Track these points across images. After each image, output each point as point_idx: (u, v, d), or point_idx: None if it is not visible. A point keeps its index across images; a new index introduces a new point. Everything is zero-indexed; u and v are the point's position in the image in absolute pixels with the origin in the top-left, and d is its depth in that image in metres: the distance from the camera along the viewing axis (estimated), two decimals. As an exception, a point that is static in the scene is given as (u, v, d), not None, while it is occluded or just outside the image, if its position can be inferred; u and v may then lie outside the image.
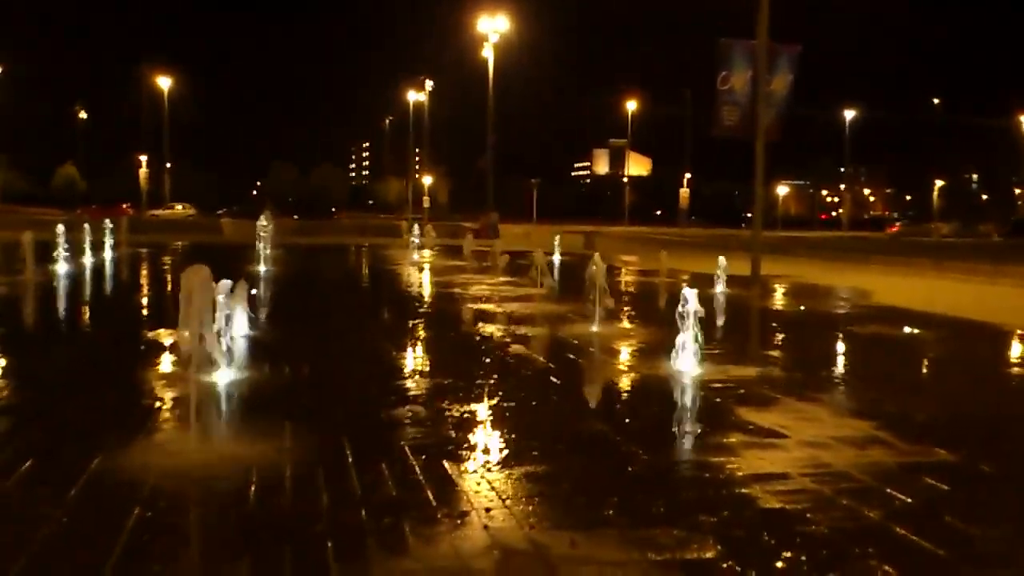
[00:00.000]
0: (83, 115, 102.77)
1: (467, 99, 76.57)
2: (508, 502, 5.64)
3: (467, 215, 59.77)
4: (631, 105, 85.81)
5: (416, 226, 35.95)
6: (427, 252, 30.96)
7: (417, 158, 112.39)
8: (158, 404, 8.25)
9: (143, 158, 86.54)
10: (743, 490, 5.97)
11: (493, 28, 55.02)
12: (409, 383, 9.63)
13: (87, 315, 16.70)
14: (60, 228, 23.94)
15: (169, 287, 21.86)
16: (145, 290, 21.91)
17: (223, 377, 8.85)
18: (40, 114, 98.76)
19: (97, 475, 6.02)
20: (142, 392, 8.81)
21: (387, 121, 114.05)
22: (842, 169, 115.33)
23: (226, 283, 9.39)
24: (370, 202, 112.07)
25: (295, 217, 61.67)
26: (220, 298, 8.84)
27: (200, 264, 6.96)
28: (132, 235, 38.57)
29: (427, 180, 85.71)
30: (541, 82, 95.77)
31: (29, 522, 5.11)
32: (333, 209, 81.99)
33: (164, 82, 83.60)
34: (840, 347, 13.61)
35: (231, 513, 5.43)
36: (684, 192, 77.83)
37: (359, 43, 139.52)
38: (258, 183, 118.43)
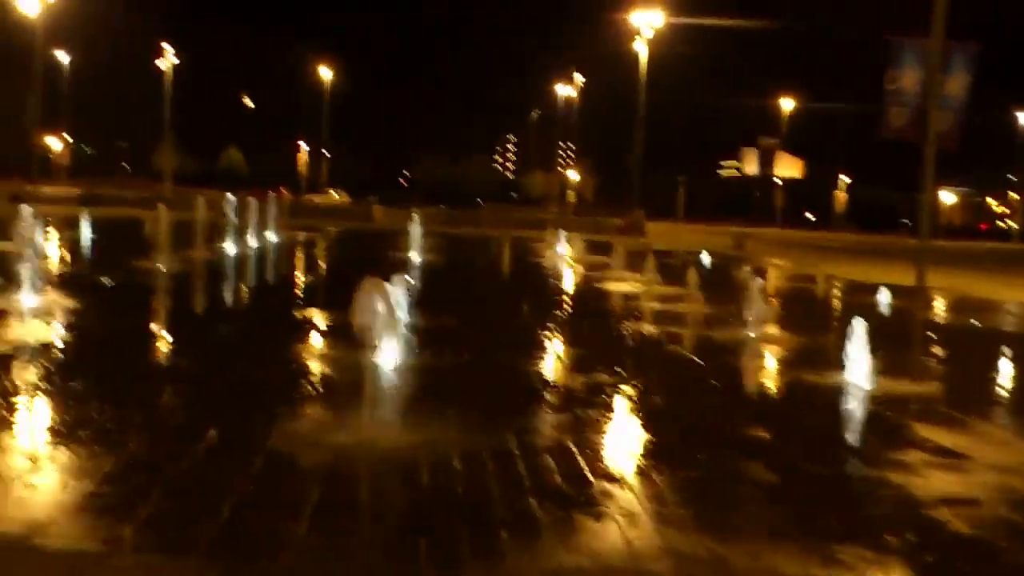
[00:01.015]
0: (248, 101, 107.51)
1: (616, 93, 76.15)
2: (676, 505, 5.54)
3: (613, 211, 59.38)
4: (786, 104, 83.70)
5: (560, 230, 35.74)
6: (572, 247, 30.87)
7: (564, 152, 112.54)
8: (328, 383, 8.50)
9: (302, 144, 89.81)
10: (930, 512, 5.69)
11: (647, 22, 54.45)
12: (567, 378, 9.61)
13: (257, 294, 17.33)
14: (228, 209, 24.97)
15: (326, 269, 22.56)
16: (308, 273, 22.61)
17: (389, 361, 9.02)
18: (208, 99, 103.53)
19: (276, 449, 6.24)
20: (315, 371, 9.09)
21: (534, 114, 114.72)
22: (1011, 176, 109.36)
23: (393, 286, 9.52)
24: (513, 195, 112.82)
25: (442, 207, 62.54)
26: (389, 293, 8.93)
27: (376, 278, 7.03)
28: (291, 218, 40.03)
29: (573, 175, 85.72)
30: (692, 77, 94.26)
31: (218, 490, 5.33)
32: (479, 200, 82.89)
33: (325, 71, 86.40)
34: (1019, 366, 12.89)
35: (405, 491, 5.53)
36: (840, 195, 75.33)
37: (511, 34, 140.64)
38: (404, 172, 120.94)
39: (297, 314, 13.48)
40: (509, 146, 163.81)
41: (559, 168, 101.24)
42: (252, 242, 26.25)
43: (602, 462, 6.40)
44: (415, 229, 26.25)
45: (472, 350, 10.96)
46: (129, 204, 50.90)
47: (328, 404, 7.66)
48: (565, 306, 17.26)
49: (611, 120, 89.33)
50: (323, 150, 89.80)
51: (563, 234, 34.25)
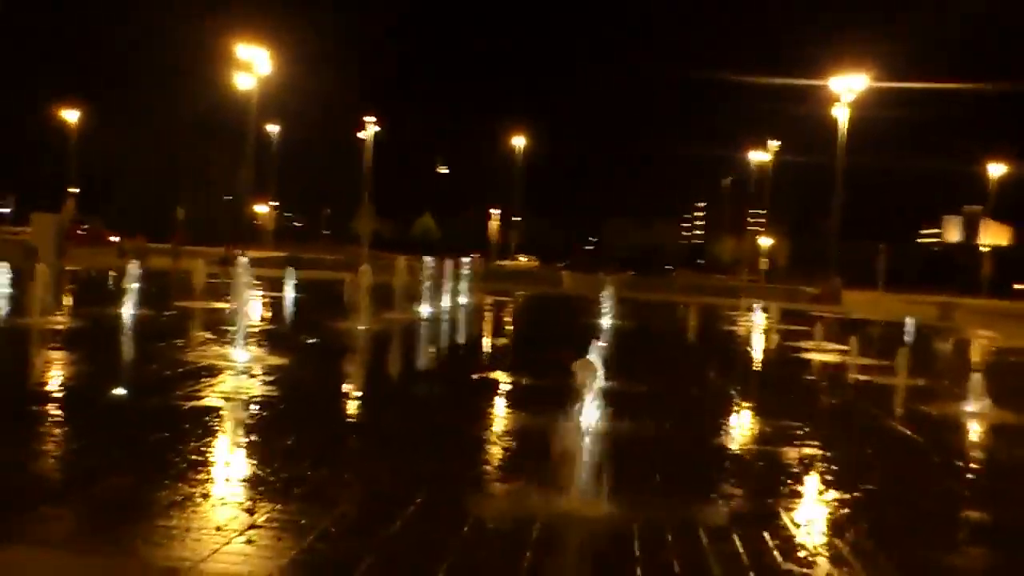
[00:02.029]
0: (443, 169, 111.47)
1: (812, 159, 74.26)
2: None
3: (806, 279, 57.47)
4: (995, 169, 79.29)
5: (755, 298, 34.66)
6: (766, 314, 29.89)
7: (754, 218, 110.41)
8: (532, 447, 8.36)
9: (495, 211, 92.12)
10: None
11: (848, 87, 52.91)
12: (779, 451, 9.11)
13: (455, 356, 17.54)
14: (427, 273, 25.55)
15: (523, 333, 22.64)
16: (501, 336, 22.77)
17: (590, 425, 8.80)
18: (405, 166, 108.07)
19: (481, 515, 6.12)
20: (518, 435, 9.00)
21: (727, 180, 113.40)
22: None
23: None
24: (700, 261, 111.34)
25: (631, 273, 62.29)
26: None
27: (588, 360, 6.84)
28: (483, 283, 40.77)
29: (765, 241, 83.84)
30: (893, 142, 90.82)
31: (430, 555, 5.24)
32: (669, 267, 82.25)
33: (518, 139, 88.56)
34: None
35: (613, 566, 5.27)
36: (1056, 265, 70.26)
37: (704, 98, 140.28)
38: (590, 238, 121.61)
39: (493, 376, 13.51)
40: (697, 212, 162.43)
41: (750, 235, 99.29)
42: (446, 304, 26.76)
43: (819, 541, 5.94)
44: (605, 295, 26.09)
45: (674, 418, 10.61)
46: (328, 267, 53.28)
47: (534, 471, 7.51)
48: (766, 376, 16.61)
49: (806, 186, 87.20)
50: (514, 216, 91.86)
51: (759, 303, 33.29)
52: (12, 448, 7.23)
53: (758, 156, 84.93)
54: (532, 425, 9.57)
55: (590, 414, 8.97)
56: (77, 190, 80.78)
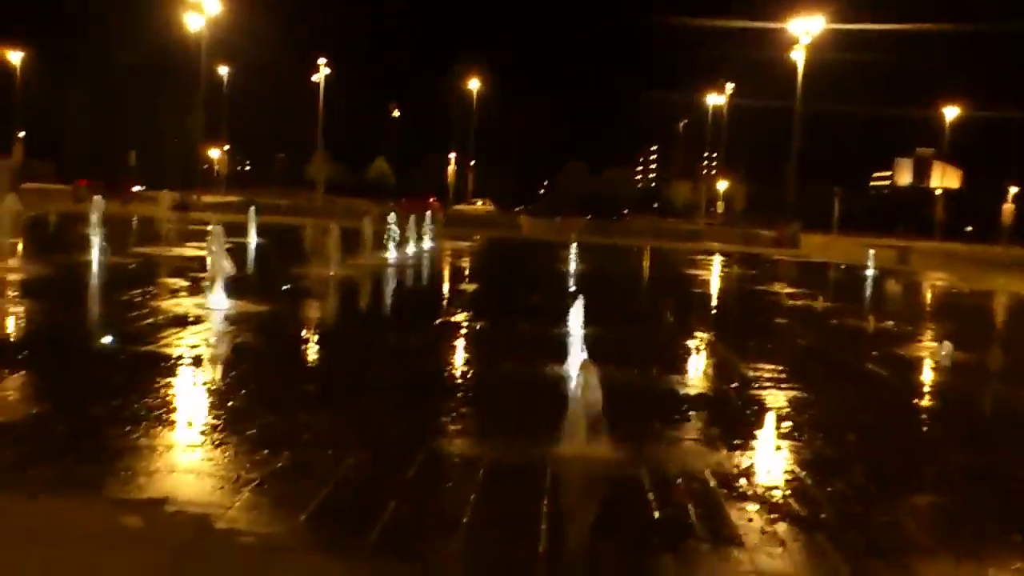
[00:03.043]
0: (396, 113, 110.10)
1: (769, 102, 74.47)
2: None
3: (763, 223, 58.03)
4: (949, 112, 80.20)
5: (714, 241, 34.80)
6: (727, 259, 30.22)
7: (709, 162, 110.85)
8: (524, 396, 8.47)
9: (452, 156, 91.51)
10: None
11: (805, 29, 53.02)
12: (764, 393, 9.30)
13: (436, 303, 17.56)
14: (391, 218, 25.44)
15: (498, 278, 22.64)
16: (477, 283, 22.77)
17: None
18: (357, 111, 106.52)
19: (491, 460, 6.21)
20: (507, 383, 9.09)
21: (682, 124, 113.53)
22: None
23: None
24: (655, 205, 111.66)
25: (588, 217, 62.43)
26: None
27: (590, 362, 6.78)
28: (442, 228, 40.60)
29: (722, 185, 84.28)
30: (847, 86, 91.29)
31: (448, 499, 5.31)
32: (625, 211, 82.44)
33: (472, 83, 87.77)
34: None
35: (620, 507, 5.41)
36: (1008, 208, 71.53)
37: (654, 43, 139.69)
38: (545, 182, 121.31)
39: (473, 322, 13.56)
40: (650, 156, 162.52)
41: (705, 179, 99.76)
42: (412, 250, 26.70)
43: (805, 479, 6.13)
44: (564, 240, 26.20)
45: (658, 364, 10.76)
46: (283, 212, 52.75)
47: (532, 417, 7.61)
48: (742, 321, 16.84)
49: (762, 130, 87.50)
50: (470, 161, 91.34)
51: (718, 246, 33.60)
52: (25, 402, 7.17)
53: (714, 100, 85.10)
54: (520, 372, 9.67)
55: (575, 361, 9.10)
56: (23, 133, 78.73)
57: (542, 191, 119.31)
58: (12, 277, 15.16)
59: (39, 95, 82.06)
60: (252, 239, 26.94)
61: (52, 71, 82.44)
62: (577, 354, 9.20)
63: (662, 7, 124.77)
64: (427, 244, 29.87)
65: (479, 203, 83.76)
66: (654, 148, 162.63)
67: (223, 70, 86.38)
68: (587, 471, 6.18)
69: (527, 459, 6.29)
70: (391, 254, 24.16)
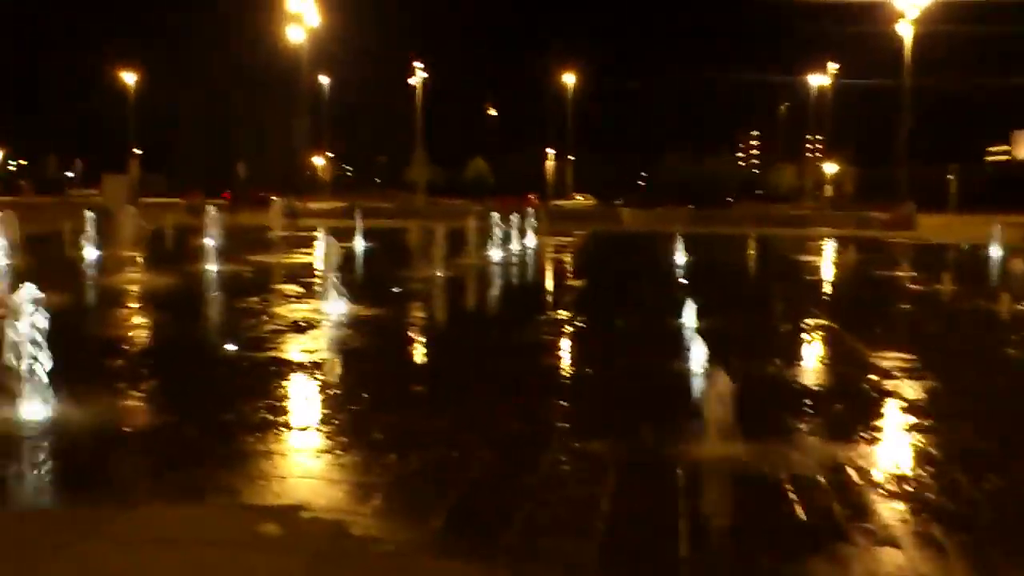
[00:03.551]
0: (492, 112, 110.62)
1: (874, 80, 72.19)
2: None
3: (874, 205, 56.19)
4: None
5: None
6: (840, 243, 29.17)
7: (813, 144, 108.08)
8: (654, 393, 8.30)
9: (550, 151, 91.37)
10: None
11: (912, 2, 51.15)
12: (899, 383, 8.90)
13: (548, 301, 17.45)
14: (493, 217, 25.45)
15: (607, 273, 22.35)
16: (586, 279, 22.55)
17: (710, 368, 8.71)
18: (454, 111, 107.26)
19: (625, 459, 6.07)
20: (635, 380, 8.93)
21: (784, 107, 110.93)
22: None
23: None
24: (758, 191, 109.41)
25: (690, 206, 61.44)
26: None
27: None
28: (542, 223, 40.50)
29: (829, 168, 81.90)
30: (958, 59, 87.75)
31: (580, 499, 5.20)
32: (729, 199, 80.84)
33: (567, 77, 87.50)
34: None
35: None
36: None
37: (751, 23, 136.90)
38: (642, 173, 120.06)
39: (590, 319, 13.41)
40: (752, 141, 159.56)
41: (810, 161, 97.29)
42: (515, 248, 26.65)
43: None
44: (669, 230, 25.74)
45: (787, 356, 10.43)
46: (386, 215, 53.48)
47: (662, 413, 7.44)
48: (868, 308, 16.26)
49: (869, 108, 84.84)
50: (568, 156, 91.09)
51: (829, 231, 32.54)
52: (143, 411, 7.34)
53: (816, 80, 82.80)
54: (638, 367, 9.49)
55: (703, 356, 8.87)
56: (140, 151, 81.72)
57: (641, 182, 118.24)
58: (136, 287, 15.67)
59: (150, 111, 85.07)
60: (359, 243, 27.31)
61: (161, 87, 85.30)
62: (699, 350, 8.96)
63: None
64: (530, 241, 29.81)
65: (579, 197, 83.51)
66: (755, 133, 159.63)
67: (324, 79, 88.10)
68: (722, 470, 5.98)
69: (657, 458, 6.13)
70: (495, 253, 24.16)
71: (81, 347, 10.43)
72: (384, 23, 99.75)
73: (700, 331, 11.04)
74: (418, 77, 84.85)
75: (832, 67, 78.95)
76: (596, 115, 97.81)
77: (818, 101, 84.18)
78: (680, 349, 9.97)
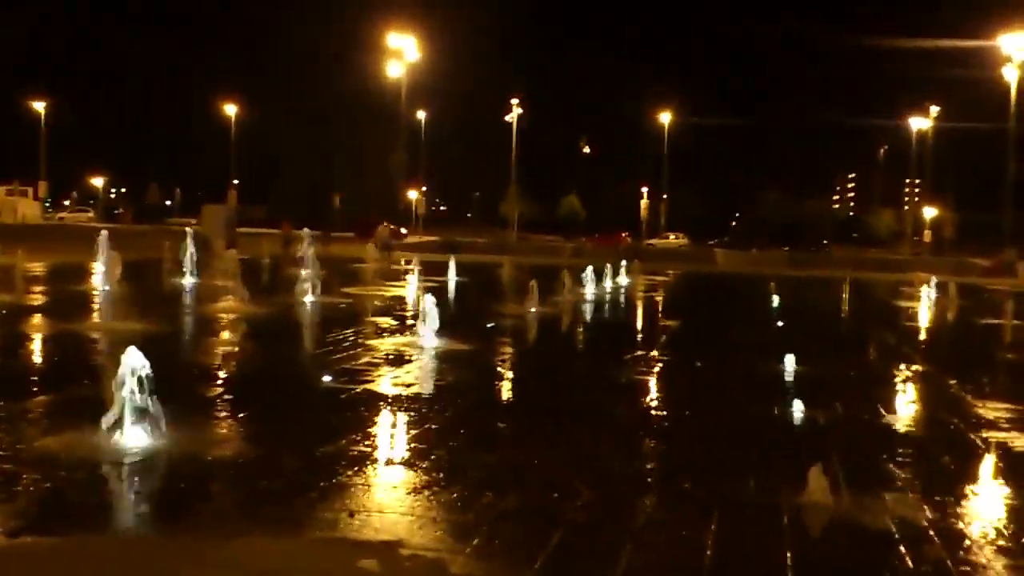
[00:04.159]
0: (586, 149, 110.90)
1: (979, 124, 70.23)
2: None
3: (975, 251, 54.55)
4: None
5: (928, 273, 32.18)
6: (941, 290, 28.24)
7: (911, 188, 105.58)
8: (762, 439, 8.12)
9: (644, 189, 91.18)
10: None
11: (1019, 46, 49.81)
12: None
13: (643, 340, 17.30)
14: (589, 271, 25.16)
15: (700, 314, 22.08)
16: (680, 320, 22.34)
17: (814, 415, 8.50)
18: (548, 148, 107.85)
19: (748, 502, 5.93)
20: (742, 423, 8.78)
21: (883, 149, 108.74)
22: None
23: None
24: (854, 235, 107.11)
25: (786, 249, 60.53)
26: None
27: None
28: (634, 263, 40.29)
29: (928, 212, 79.83)
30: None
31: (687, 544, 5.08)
32: (824, 242, 79.39)
33: (664, 116, 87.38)
34: None
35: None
36: None
37: (850, 65, 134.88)
38: (736, 214, 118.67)
39: (686, 360, 13.23)
40: (848, 184, 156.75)
41: (909, 206, 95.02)
42: (608, 286, 26.53)
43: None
44: (763, 273, 25.32)
45: (893, 405, 10.11)
46: (479, 250, 53.89)
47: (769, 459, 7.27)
48: (976, 357, 15.72)
49: (972, 153, 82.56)
50: (664, 195, 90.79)
51: (930, 277, 31.62)
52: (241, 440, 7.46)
53: (917, 123, 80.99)
54: (737, 410, 9.30)
55: (805, 404, 8.68)
56: (238, 182, 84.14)
57: (733, 223, 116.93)
58: (231, 317, 16.01)
59: (251, 143, 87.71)
60: (453, 277, 27.52)
61: (263, 120, 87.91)
62: (801, 395, 8.75)
63: (858, 29, 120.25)
64: (623, 280, 29.69)
65: (672, 236, 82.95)
66: (851, 175, 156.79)
67: (420, 114, 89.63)
68: (829, 520, 5.78)
69: (760, 503, 5.98)
70: (588, 290, 24.08)
71: (179, 376, 10.70)
72: (481, 59, 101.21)
73: (800, 376, 10.80)
74: (514, 114, 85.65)
75: (934, 110, 77.22)
76: (691, 154, 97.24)
77: (919, 144, 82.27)
78: (781, 393, 9.76)
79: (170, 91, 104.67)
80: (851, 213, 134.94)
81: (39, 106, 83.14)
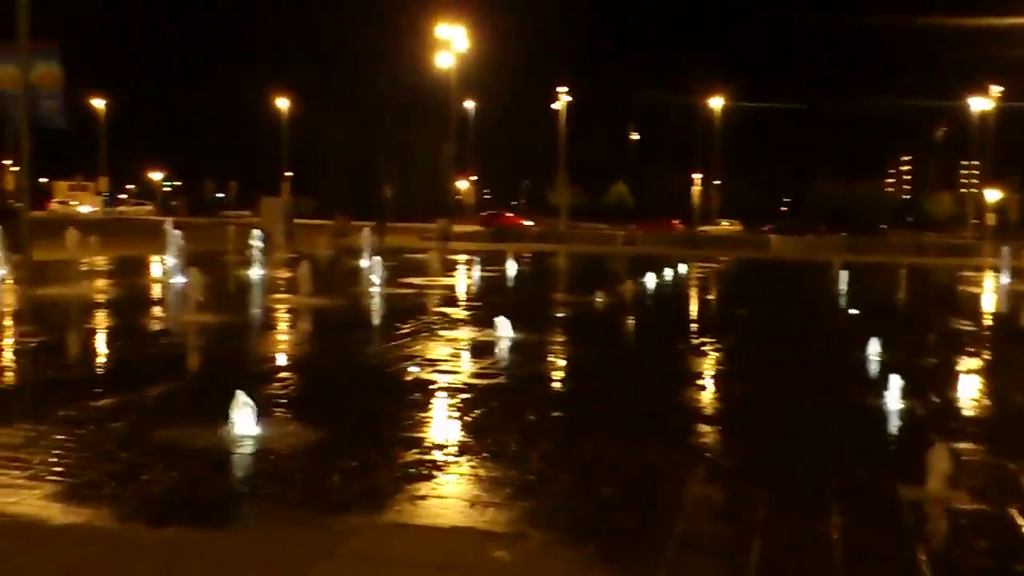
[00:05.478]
0: (635, 136, 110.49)
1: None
2: None
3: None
4: None
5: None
6: (1003, 275, 27.59)
7: (968, 171, 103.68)
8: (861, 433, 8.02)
9: (695, 175, 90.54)
10: None
11: (1085, 23, 48.43)
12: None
13: (716, 329, 17.17)
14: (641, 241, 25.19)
15: (767, 302, 21.80)
16: (747, 308, 22.06)
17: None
18: (597, 134, 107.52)
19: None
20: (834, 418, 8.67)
21: (940, 131, 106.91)
22: None
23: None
24: (909, 219, 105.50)
25: (843, 234, 59.70)
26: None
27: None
28: (686, 250, 40.11)
29: (991, 195, 78.10)
30: None
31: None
32: (884, 226, 78.27)
33: (715, 101, 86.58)
34: None
35: None
36: None
37: (903, 45, 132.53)
38: (785, 199, 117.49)
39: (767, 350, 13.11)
40: (903, 167, 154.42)
41: (967, 189, 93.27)
42: (668, 274, 26.34)
43: None
44: (818, 258, 24.88)
45: (994, 398, 9.93)
46: (530, 239, 53.84)
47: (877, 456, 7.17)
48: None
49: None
50: (715, 181, 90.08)
51: (1000, 261, 30.86)
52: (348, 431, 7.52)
53: (978, 103, 79.28)
54: (837, 403, 9.18)
55: (902, 393, 8.53)
56: (291, 173, 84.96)
57: (784, 207, 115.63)
58: (303, 310, 16.13)
59: (301, 136, 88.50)
60: (512, 267, 27.52)
61: (313, 112, 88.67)
62: (893, 385, 8.60)
63: (914, 9, 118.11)
64: (681, 267, 29.46)
65: (724, 223, 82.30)
66: (906, 158, 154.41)
67: (469, 103, 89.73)
68: (951, 514, 5.68)
69: (878, 494, 5.90)
70: (650, 278, 23.86)
71: (271, 366, 10.83)
72: (529, 48, 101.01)
73: (889, 364, 10.62)
74: (562, 101, 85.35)
75: (995, 90, 75.50)
76: (742, 139, 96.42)
77: (978, 125, 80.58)
78: (874, 382, 9.62)
79: (221, 86, 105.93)
80: (905, 196, 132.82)
81: (99, 103, 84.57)
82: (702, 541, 5.13)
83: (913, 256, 45.00)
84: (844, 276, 23.88)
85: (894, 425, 8.19)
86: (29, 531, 4.95)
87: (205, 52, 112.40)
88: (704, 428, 8.00)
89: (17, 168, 32.55)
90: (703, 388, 10.13)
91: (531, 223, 64.66)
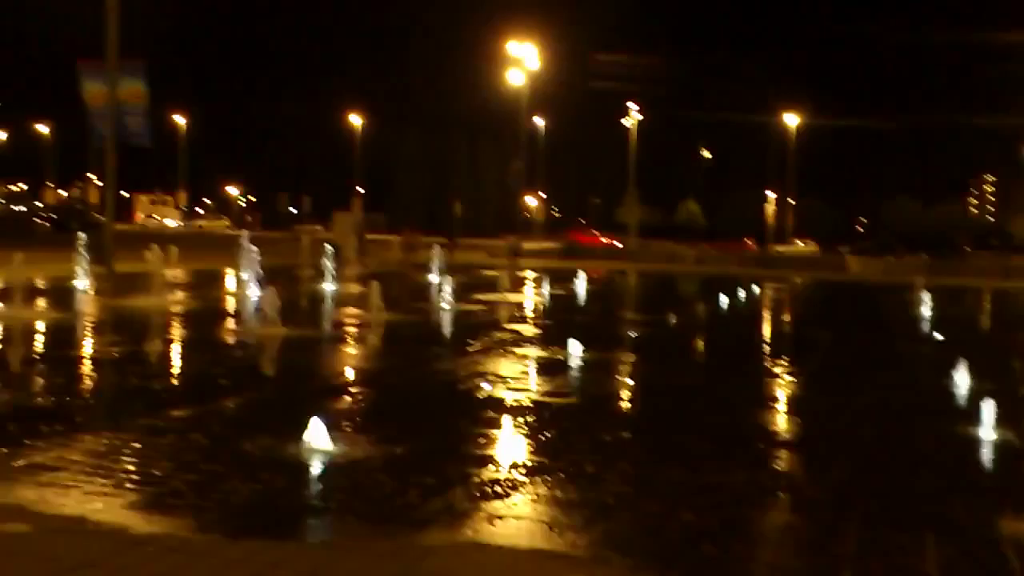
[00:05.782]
0: (706, 154, 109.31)
1: None
2: None
3: None
4: None
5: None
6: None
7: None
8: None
9: (770, 194, 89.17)
10: None
11: None
12: None
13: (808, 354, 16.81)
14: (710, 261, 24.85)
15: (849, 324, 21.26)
16: (832, 330, 21.59)
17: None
18: (670, 152, 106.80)
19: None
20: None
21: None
22: None
23: None
24: (994, 241, 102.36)
25: (923, 256, 58.23)
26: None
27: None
28: (759, 270, 39.49)
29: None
30: None
31: None
32: (967, 248, 76.07)
33: (790, 118, 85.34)
34: None
35: None
36: None
37: (987, 60, 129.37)
38: (861, 219, 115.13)
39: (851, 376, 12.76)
40: (986, 187, 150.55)
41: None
42: (742, 295, 25.92)
43: None
44: (898, 280, 24.20)
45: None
46: (599, 257, 53.60)
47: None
48: None
49: None
50: (790, 200, 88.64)
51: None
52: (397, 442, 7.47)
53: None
54: (930, 433, 8.88)
55: (996, 424, 8.22)
56: (363, 190, 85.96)
57: (860, 228, 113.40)
58: (376, 325, 16.17)
59: (373, 152, 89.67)
60: (582, 285, 27.35)
61: (385, 129, 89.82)
62: (988, 413, 8.25)
63: (991, 23, 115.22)
64: (755, 288, 28.98)
65: (799, 243, 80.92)
66: (989, 177, 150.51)
67: (538, 120, 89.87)
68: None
69: (975, 527, 5.65)
70: (722, 299, 23.49)
71: (344, 381, 10.87)
72: (599, 65, 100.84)
73: (981, 392, 10.24)
74: (632, 118, 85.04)
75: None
76: (817, 158, 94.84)
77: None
78: (965, 412, 9.28)
79: (296, 103, 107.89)
80: (989, 217, 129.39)
81: (179, 119, 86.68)
82: (792, 571, 4.95)
83: (999, 279, 43.69)
84: (927, 299, 23.18)
85: (987, 456, 7.88)
86: (114, 538, 4.98)
87: (281, 69, 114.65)
88: (788, 454, 7.78)
89: (102, 183, 33.43)
90: (784, 412, 9.89)
91: (619, 243, 64.54)
